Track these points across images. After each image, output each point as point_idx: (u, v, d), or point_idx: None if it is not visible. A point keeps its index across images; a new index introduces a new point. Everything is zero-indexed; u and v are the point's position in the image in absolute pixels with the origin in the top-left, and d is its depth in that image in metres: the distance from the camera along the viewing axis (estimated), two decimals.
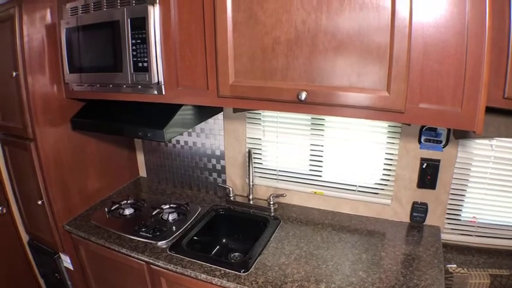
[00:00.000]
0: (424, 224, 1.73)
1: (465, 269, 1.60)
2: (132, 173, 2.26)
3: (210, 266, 1.50)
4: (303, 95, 1.26)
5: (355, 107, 1.23)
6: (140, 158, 2.26)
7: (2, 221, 1.94)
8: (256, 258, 1.54)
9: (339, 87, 1.22)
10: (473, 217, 1.68)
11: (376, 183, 1.79)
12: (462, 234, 1.72)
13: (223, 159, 2.03)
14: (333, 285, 1.39)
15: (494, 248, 1.71)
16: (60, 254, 1.91)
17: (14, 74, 1.59)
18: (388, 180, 1.75)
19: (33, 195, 1.77)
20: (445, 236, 1.71)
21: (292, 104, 1.32)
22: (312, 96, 1.26)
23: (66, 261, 1.91)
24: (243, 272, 1.46)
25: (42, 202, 1.75)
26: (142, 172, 2.29)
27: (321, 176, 1.89)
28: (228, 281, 1.43)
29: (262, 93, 1.35)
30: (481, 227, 1.69)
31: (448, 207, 1.70)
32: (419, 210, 1.70)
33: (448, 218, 1.72)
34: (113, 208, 1.87)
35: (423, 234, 1.67)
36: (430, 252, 1.55)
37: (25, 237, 2.06)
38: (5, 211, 1.93)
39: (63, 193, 1.79)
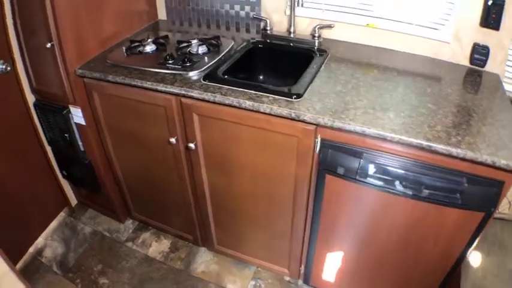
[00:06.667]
0: (483, 69, 1.53)
1: None
2: (150, 15, 1.97)
3: (256, 93, 1.29)
4: None
5: None
6: None
7: (6, 81, 1.65)
8: (308, 86, 1.33)
9: None
10: None
11: (437, 18, 1.56)
12: None
13: None
14: (402, 114, 1.21)
15: None
16: (70, 108, 1.67)
17: None
18: (449, 15, 1.52)
19: (42, 41, 1.49)
20: (505, 86, 1.53)
21: None
22: None
23: (77, 115, 1.67)
24: (295, 98, 1.25)
25: (52, 45, 1.47)
26: (162, 14, 1.98)
27: (373, 4, 1.61)
28: (279, 107, 1.22)
29: None
30: None
31: (509, 53, 1.50)
32: (480, 52, 1.50)
33: (508, 66, 1.53)
34: (132, 46, 1.60)
35: (484, 79, 1.49)
36: (496, 95, 1.37)
37: (31, 100, 1.80)
38: (9, 69, 1.62)
39: (75, 35, 1.52)
